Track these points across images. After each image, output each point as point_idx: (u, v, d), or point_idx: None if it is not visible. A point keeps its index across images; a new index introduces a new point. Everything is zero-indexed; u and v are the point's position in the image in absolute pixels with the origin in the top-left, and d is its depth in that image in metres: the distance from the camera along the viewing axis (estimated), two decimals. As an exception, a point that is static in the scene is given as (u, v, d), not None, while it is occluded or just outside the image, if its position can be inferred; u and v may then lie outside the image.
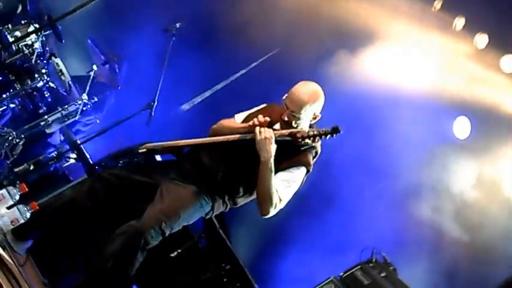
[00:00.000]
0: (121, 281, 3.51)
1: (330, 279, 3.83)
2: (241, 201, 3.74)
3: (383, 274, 3.90)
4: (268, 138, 3.44)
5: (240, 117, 3.87)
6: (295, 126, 3.55)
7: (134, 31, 6.66)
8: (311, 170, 3.64)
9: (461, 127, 5.86)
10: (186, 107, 7.10)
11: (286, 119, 3.56)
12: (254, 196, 3.67)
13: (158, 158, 3.98)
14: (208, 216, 3.75)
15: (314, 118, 3.61)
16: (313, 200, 5.98)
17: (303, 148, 3.59)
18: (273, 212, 3.57)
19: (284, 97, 3.57)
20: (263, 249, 6.06)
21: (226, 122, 3.83)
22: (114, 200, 3.68)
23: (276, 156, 3.47)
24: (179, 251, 4.64)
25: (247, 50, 6.73)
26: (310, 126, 3.65)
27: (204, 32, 6.69)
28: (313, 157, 3.66)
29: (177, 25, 5.24)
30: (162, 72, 5.14)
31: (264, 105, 3.90)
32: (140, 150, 3.75)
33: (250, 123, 3.58)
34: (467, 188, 5.87)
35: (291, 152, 3.57)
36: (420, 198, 6.11)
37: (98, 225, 3.86)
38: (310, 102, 3.52)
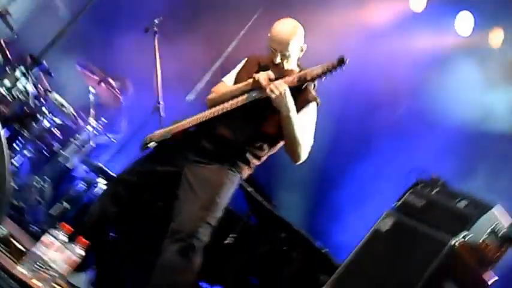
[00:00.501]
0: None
1: (386, 213, 3.79)
2: (264, 157, 3.73)
3: (435, 190, 3.85)
4: (283, 92, 3.41)
5: (229, 78, 3.83)
6: (287, 65, 3.60)
7: (117, 41, 6.64)
8: (319, 102, 3.66)
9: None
10: (191, 97, 7.06)
11: (278, 61, 3.58)
12: (276, 147, 3.68)
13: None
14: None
15: (301, 50, 3.67)
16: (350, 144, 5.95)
17: (303, 87, 3.56)
18: (306, 155, 3.60)
19: (268, 42, 3.60)
20: (310, 209, 6.03)
21: (221, 88, 3.78)
22: (140, 198, 3.68)
23: None
24: (234, 235, 4.65)
25: (231, 22, 6.67)
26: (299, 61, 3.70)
27: (184, 18, 6.63)
28: (314, 88, 3.65)
29: (156, 21, 5.19)
30: (156, 71, 5.11)
31: (245, 59, 3.87)
32: (149, 145, 3.70)
33: (250, 80, 3.55)
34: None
35: (297, 94, 3.54)
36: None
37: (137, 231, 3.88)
38: (293, 35, 3.58)
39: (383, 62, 6.10)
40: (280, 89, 3.41)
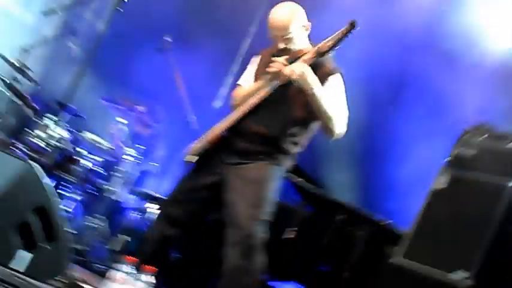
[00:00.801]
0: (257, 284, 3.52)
1: (440, 171, 3.73)
2: (304, 141, 3.69)
3: (483, 136, 3.76)
4: (303, 71, 3.40)
5: (244, 80, 3.81)
6: (294, 47, 3.55)
7: (135, 66, 6.69)
8: (341, 71, 3.61)
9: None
10: (218, 103, 7.06)
11: (282, 46, 3.55)
12: (312, 129, 3.64)
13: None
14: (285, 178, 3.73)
15: (306, 29, 3.62)
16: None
17: (320, 59, 3.52)
18: (341, 129, 3.56)
19: (268, 32, 3.58)
20: (363, 185, 5.95)
21: (241, 92, 3.76)
22: (194, 214, 3.68)
23: None
24: (294, 229, 4.63)
25: (240, 20, 6.66)
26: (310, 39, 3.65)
27: (193, 26, 6.64)
28: (332, 60, 3.61)
29: (167, 39, 5.22)
30: (179, 87, 5.14)
31: (255, 57, 3.85)
32: (189, 159, 3.70)
33: (272, 70, 3.50)
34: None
35: (316, 70, 3.50)
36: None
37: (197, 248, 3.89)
38: (290, 17, 3.54)
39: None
40: (300, 68, 3.40)
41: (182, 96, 5.20)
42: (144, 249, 3.74)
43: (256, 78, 3.72)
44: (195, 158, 3.66)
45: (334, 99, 3.53)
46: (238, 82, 3.85)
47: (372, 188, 5.76)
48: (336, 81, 3.58)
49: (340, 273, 4.41)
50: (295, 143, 3.64)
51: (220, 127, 3.64)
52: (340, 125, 3.55)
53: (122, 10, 3.70)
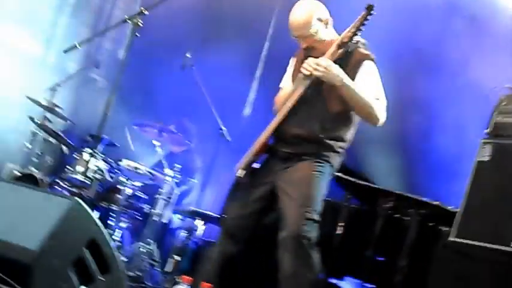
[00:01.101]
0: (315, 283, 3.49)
1: (481, 142, 3.66)
2: (348, 135, 3.64)
3: (520, 101, 3.68)
4: (326, 66, 3.38)
5: (285, 82, 3.81)
6: (316, 44, 3.54)
7: (160, 87, 6.74)
8: (373, 56, 3.57)
9: None
10: (247, 111, 7.07)
11: (305, 45, 3.56)
12: (354, 122, 3.60)
13: (256, 165, 3.93)
14: (333, 176, 3.67)
15: (326, 23, 3.58)
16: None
17: (350, 50, 3.50)
18: (384, 115, 3.52)
19: (290, 34, 3.58)
20: (405, 169, 5.86)
21: (282, 96, 3.76)
22: (253, 228, 3.68)
23: None
24: (342, 224, 4.59)
25: (256, 23, 6.66)
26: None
27: (208, 38, 6.66)
28: (363, 47, 3.58)
29: (188, 55, 5.26)
30: (207, 100, 5.17)
31: (293, 58, 3.84)
32: (239, 175, 3.71)
33: (303, 71, 3.49)
34: None
35: (347, 61, 3.49)
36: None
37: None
38: (308, 16, 3.52)
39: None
40: (323, 64, 3.39)
41: (211, 109, 5.21)
42: (206, 268, 3.75)
43: (293, 80, 3.72)
44: (243, 172, 3.66)
45: (370, 87, 3.50)
46: (280, 85, 3.85)
47: (414, 170, 5.67)
48: (369, 68, 3.54)
49: (395, 262, 4.35)
50: (338, 139, 3.59)
51: (264, 136, 3.64)
52: (381, 111, 3.51)
53: (139, 35, 3.71)
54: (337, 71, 3.40)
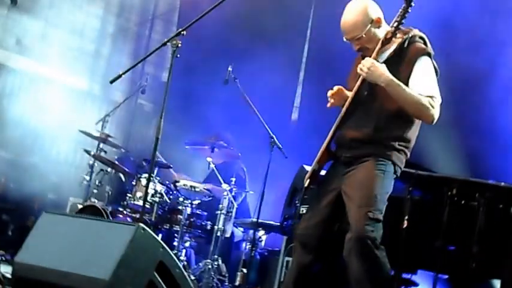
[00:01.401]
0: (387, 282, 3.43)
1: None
2: (409, 134, 3.53)
3: None
4: (370, 66, 3.33)
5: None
6: (369, 45, 3.47)
7: (207, 102, 6.79)
8: (431, 51, 3.46)
9: None
10: (295, 115, 7.05)
11: (358, 47, 3.50)
12: (410, 119, 3.50)
13: (322, 172, 3.91)
14: (398, 174, 3.57)
15: (378, 23, 3.48)
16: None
17: (405, 45, 3.43)
18: (436, 112, 3.40)
19: (344, 37, 3.52)
20: (464, 152, 5.71)
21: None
22: (323, 237, 3.64)
23: (395, 70, 3.36)
24: (407, 217, 4.49)
25: (294, 29, 6.64)
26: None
27: (247, 46, 6.67)
28: (421, 42, 3.49)
29: (230, 68, 5.29)
30: (253, 110, 5.18)
31: (353, 62, 3.77)
32: (306, 185, 3.69)
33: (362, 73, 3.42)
34: None
35: (402, 57, 3.42)
36: None
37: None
38: (354, 19, 3.45)
39: None
40: (367, 64, 3.35)
41: (258, 118, 5.21)
42: (285, 281, 3.73)
43: (348, 85, 3.69)
44: (307, 182, 3.66)
45: (423, 84, 3.41)
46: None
47: (474, 153, 5.52)
48: (424, 64, 3.45)
49: (467, 249, 4.24)
50: (397, 138, 3.51)
51: (325, 143, 3.62)
52: (433, 109, 3.39)
53: (179, 55, 3.73)
54: (381, 70, 3.34)
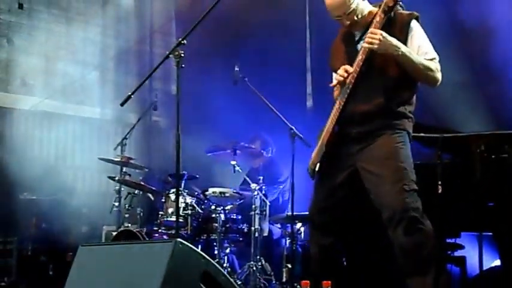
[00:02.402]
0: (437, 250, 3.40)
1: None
2: (413, 97, 3.55)
3: None
4: (380, 38, 3.30)
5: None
6: (358, 18, 3.47)
7: (221, 107, 6.77)
8: (416, 14, 3.48)
9: None
10: (309, 103, 6.99)
11: (348, 22, 3.48)
12: (413, 84, 3.51)
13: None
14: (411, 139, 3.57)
15: None
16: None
17: (393, 15, 3.42)
18: (440, 74, 3.44)
19: (330, 15, 3.51)
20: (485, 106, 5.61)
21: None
22: (340, 218, 3.61)
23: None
24: (440, 182, 4.43)
25: (293, 16, 6.59)
26: None
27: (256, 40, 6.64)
28: (401, 8, 3.50)
29: (237, 68, 5.26)
30: (268, 104, 5.15)
31: (331, 46, 3.77)
32: (316, 168, 3.64)
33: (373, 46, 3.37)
34: None
35: (392, 25, 3.41)
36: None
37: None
38: None
39: None
40: (376, 35, 3.31)
41: (275, 113, 5.17)
42: (313, 268, 3.71)
43: (333, 70, 3.65)
44: (317, 166, 3.61)
45: (423, 47, 3.43)
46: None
47: (496, 105, 5.42)
48: (416, 28, 3.47)
49: (507, 203, 4.17)
50: (406, 102, 3.51)
51: (329, 124, 3.58)
52: (438, 71, 3.44)
53: (184, 65, 3.71)
54: (391, 40, 3.33)
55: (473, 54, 5.39)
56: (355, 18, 3.49)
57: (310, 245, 3.89)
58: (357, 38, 3.54)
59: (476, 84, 5.48)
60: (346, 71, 3.47)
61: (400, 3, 3.49)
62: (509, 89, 5.36)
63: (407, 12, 3.49)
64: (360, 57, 3.42)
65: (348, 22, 3.49)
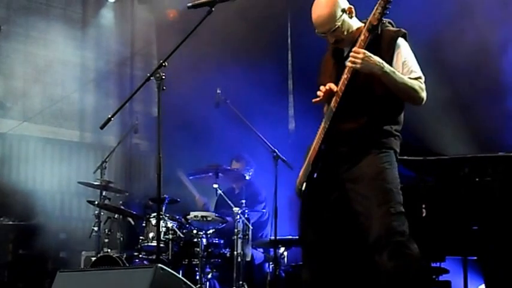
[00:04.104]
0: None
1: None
2: (399, 117, 3.50)
3: None
4: (363, 57, 3.28)
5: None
6: (344, 35, 3.45)
7: (203, 130, 6.72)
8: (404, 31, 3.45)
9: None
10: (292, 125, 6.98)
11: (334, 39, 3.45)
12: (399, 103, 3.46)
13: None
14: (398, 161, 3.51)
15: (350, 12, 3.48)
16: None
17: (380, 32, 3.38)
18: (425, 93, 3.39)
19: (317, 33, 3.48)
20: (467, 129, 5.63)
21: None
22: (333, 240, 3.55)
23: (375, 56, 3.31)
24: (424, 205, 4.41)
25: (274, 38, 6.60)
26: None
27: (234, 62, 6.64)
28: (390, 26, 3.49)
29: (218, 91, 5.24)
30: (250, 127, 5.12)
31: (321, 63, 3.73)
32: (303, 188, 3.59)
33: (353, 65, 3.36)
34: None
35: (379, 43, 3.38)
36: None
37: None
38: (329, 10, 3.42)
39: None
40: (359, 55, 3.29)
41: (257, 135, 5.14)
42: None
43: (321, 84, 3.62)
44: (304, 185, 3.56)
45: (409, 66, 3.39)
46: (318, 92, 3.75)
47: (480, 128, 5.44)
48: (403, 46, 3.44)
49: (491, 226, 4.15)
50: (391, 121, 3.47)
51: (315, 143, 3.53)
52: (423, 91, 3.39)
53: (165, 88, 3.67)
54: (375, 59, 3.30)
55: (457, 76, 5.41)
56: (341, 35, 3.46)
57: (303, 269, 3.81)
58: (345, 54, 3.52)
59: (459, 107, 5.49)
60: (330, 89, 3.44)
61: (389, 21, 3.49)
62: (493, 112, 5.38)
63: (395, 29, 3.48)
64: (344, 76, 3.40)
65: (334, 39, 3.47)
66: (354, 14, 3.50)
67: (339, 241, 3.55)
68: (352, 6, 3.50)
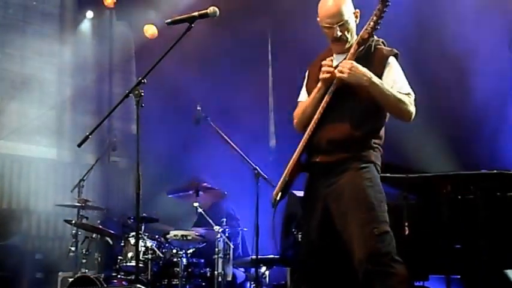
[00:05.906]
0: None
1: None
2: (382, 130, 3.46)
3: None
4: (351, 67, 3.27)
5: (303, 97, 3.65)
6: (348, 35, 3.41)
7: (184, 147, 6.65)
8: (396, 51, 3.44)
9: None
10: (272, 142, 6.95)
11: (338, 34, 3.40)
12: (383, 115, 3.44)
13: (299, 193, 3.76)
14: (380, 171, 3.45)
15: (356, 15, 3.46)
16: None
17: (373, 50, 3.40)
18: (414, 109, 3.36)
19: (321, 24, 3.44)
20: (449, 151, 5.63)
21: (302, 106, 3.58)
22: (326, 260, 3.49)
23: None
24: (406, 223, 4.37)
25: (254, 54, 6.58)
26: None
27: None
28: (383, 44, 3.48)
29: (198, 107, 5.19)
30: (231, 143, 5.06)
31: (307, 71, 3.70)
32: (278, 198, 3.51)
33: (322, 76, 3.37)
34: None
35: (371, 59, 3.37)
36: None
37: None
38: (344, 3, 3.41)
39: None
40: (347, 66, 3.28)
41: (238, 153, 5.08)
42: None
43: (309, 92, 3.58)
44: (280, 196, 3.50)
45: (399, 82, 3.37)
46: (298, 100, 3.70)
47: (461, 145, 5.44)
48: (394, 64, 3.43)
49: (474, 244, 4.12)
50: (371, 134, 3.42)
51: (295, 155, 3.47)
52: (412, 106, 3.36)
53: (143, 105, 3.61)
54: (362, 71, 3.28)
55: (440, 95, 5.42)
56: (346, 33, 3.42)
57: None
58: (334, 64, 3.47)
59: (442, 125, 5.49)
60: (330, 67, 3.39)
61: (382, 40, 3.48)
62: (475, 130, 5.39)
63: (388, 48, 3.47)
64: (332, 88, 3.37)
65: (340, 34, 3.41)
66: (358, 20, 3.49)
67: (328, 257, 3.49)
68: (358, 11, 3.48)
